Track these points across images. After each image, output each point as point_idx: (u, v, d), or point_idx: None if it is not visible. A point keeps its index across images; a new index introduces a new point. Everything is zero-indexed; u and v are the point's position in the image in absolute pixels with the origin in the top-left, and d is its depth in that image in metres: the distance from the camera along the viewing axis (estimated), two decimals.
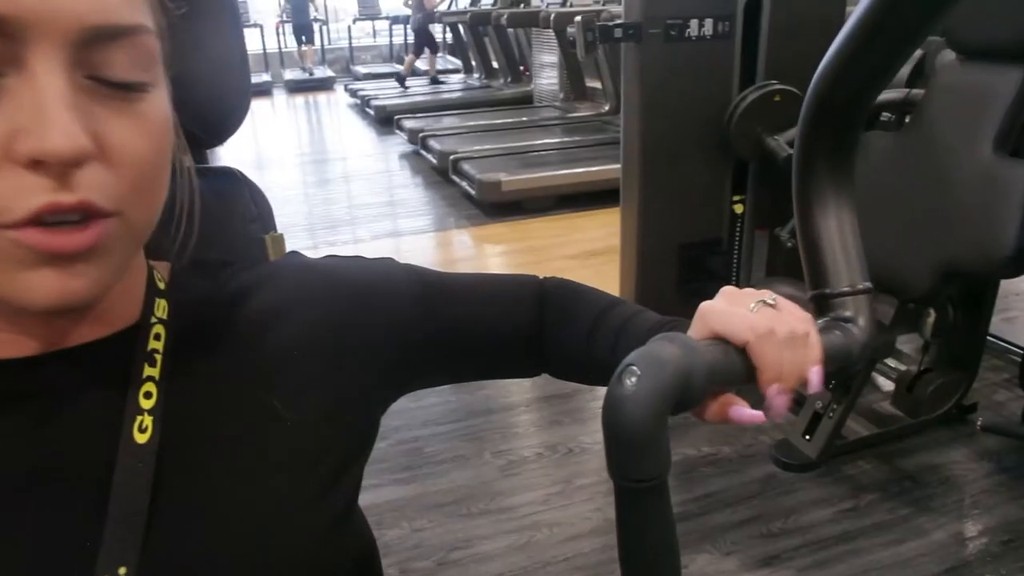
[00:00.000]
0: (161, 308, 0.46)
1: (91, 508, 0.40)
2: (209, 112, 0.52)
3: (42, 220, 0.34)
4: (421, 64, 9.39)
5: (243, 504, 0.44)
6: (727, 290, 0.50)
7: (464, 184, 4.39)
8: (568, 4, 5.72)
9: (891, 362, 2.22)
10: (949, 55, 1.72)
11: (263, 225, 0.56)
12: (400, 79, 8.70)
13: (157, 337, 0.45)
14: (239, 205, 0.55)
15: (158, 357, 0.44)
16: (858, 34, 0.56)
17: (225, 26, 0.51)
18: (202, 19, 0.49)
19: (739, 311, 0.47)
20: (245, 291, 0.49)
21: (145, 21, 0.37)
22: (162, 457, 0.42)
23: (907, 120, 1.86)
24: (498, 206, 4.16)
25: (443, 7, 9.15)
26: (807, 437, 1.90)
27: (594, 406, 2.26)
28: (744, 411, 0.47)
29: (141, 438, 0.41)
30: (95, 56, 0.35)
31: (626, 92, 2.25)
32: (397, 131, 6.24)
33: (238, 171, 0.56)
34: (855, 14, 0.57)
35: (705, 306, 0.48)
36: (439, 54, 9.55)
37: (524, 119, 6.05)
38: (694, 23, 2.12)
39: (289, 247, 0.57)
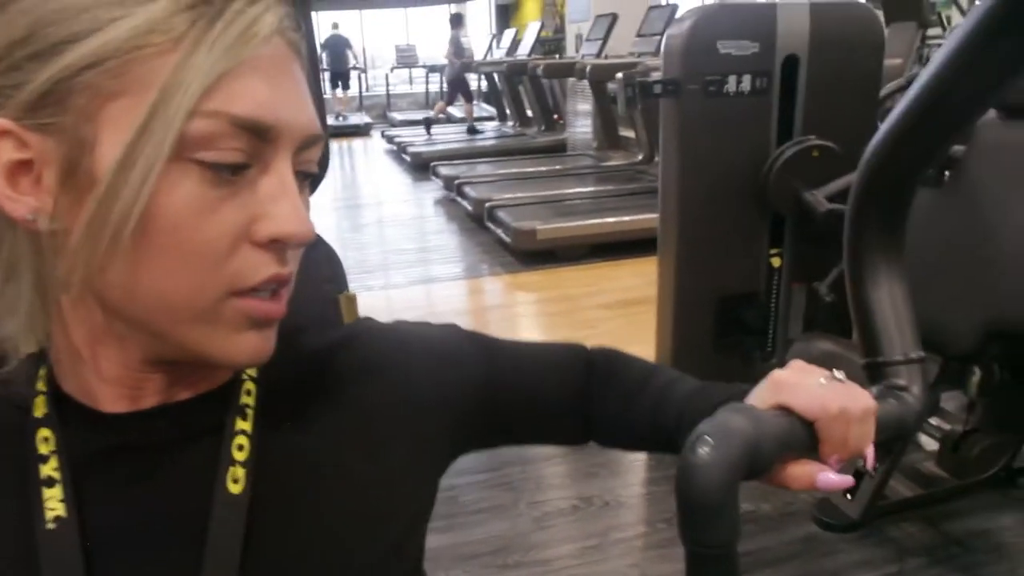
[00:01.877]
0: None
1: (189, 557, 0.43)
2: None
3: (260, 289, 0.42)
4: (456, 111, 9.59)
5: (326, 556, 0.46)
6: (797, 363, 0.52)
7: (499, 231, 4.44)
8: (604, 56, 5.83)
9: (934, 420, 2.18)
10: (990, 113, 1.72)
11: (337, 285, 0.59)
12: (427, 124, 8.88)
13: (248, 393, 0.48)
14: (314, 265, 0.57)
15: (249, 412, 0.47)
16: (912, 114, 0.58)
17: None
18: None
19: (811, 386, 0.48)
20: (327, 353, 0.53)
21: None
22: (253, 508, 0.44)
23: (947, 175, 1.86)
24: (532, 254, 4.20)
25: (478, 57, 9.38)
26: (849, 496, 1.86)
27: (629, 458, 2.24)
28: (831, 478, 0.48)
29: (235, 489, 0.44)
30: (303, 155, 0.43)
31: (664, 146, 2.28)
32: (432, 177, 6.36)
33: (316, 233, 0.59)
34: (909, 94, 0.59)
35: (778, 376, 0.50)
36: (474, 102, 9.76)
37: (558, 167, 6.13)
38: (732, 79, 2.15)
39: None
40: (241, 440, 0.46)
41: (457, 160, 6.68)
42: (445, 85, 9.67)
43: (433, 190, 6.40)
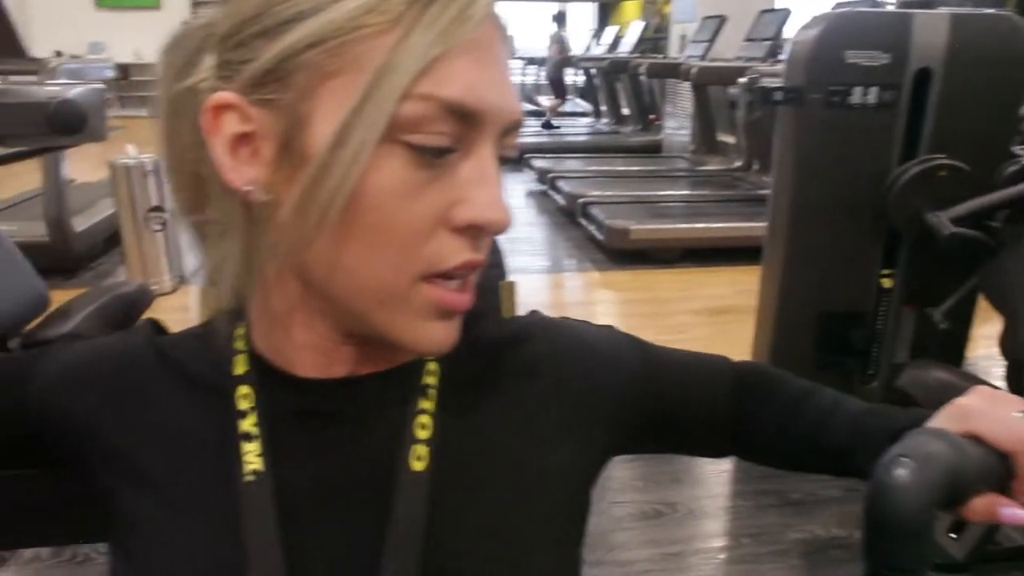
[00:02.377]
0: None
1: (373, 527, 0.44)
2: None
3: (453, 275, 0.42)
4: (544, 101, 9.50)
5: (503, 538, 0.47)
6: (984, 390, 0.49)
7: (591, 228, 4.42)
8: (710, 59, 5.72)
9: None
10: None
11: (499, 272, 0.60)
12: (547, 122, 8.78)
13: (431, 373, 0.49)
14: None
15: (432, 392, 0.48)
16: None
17: None
18: None
19: (1005, 416, 0.46)
20: (506, 344, 0.54)
21: None
22: (433, 487, 0.45)
23: None
24: (623, 253, 4.17)
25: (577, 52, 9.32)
26: (953, 536, 1.78)
27: (713, 468, 2.20)
28: (1019, 513, 0.46)
29: (418, 466, 0.45)
30: (504, 141, 0.43)
31: (779, 155, 2.22)
32: (525, 169, 6.38)
33: None
34: None
35: (965, 404, 0.48)
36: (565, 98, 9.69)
37: (653, 168, 6.06)
38: (858, 91, 2.08)
39: None
40: (424, 419, 0.47)
41: (551, 154, 6.67)
42: (545, 80, 9.59)
43: (526, 182, 6.42)
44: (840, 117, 2.09)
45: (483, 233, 0.42)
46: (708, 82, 5.29)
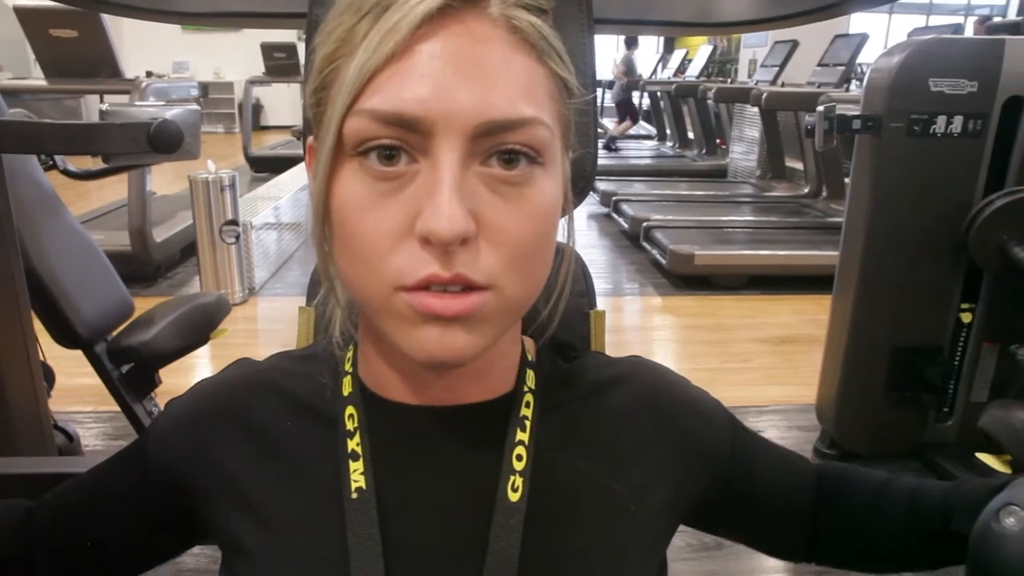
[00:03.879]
0: (531, 379, 0.51)
1: (470, 554, 0.45)
2: (576, 177, 0.57)
3: (429, 287, 0.39)
4: (608, 124, 9.52)
5: (594, 574, 0.47)
6: None
7: (655, 252, 4.39)
8: (780, 84, 5.64)
9: None
10: None
11: (589, 300, 0.61)
12: (608, 144, 8.82)
13: (527, 405, 0.49)
14: (574, 280, 0.59)
15: (528, 423, 0.48)
16: None
17: (591, 92, 0.57)
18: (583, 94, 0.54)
19: None
20: (604, 385, 0.53)
21: (536, 114, 0.41)
22: (529, 517, 0.46)
23: None
24: (687, 278, 4.12)
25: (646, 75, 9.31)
26: None
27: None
28: None
29: (513, 496, 0.46)
30: (492, 140, 0.40)
31: (855, 183, 2.17)
32: (590, 192, 6.36)
33: (571, 246, 0.61)
34: None
35: None
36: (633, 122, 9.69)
37: (718, 193, 5.98)
38: (941, 119, 2.02)
39: None
40: (520, 450, 0.47)
41: (615, 177, 6.66)
42: (612, 103, 9.61)
43: (589, 204, 6.41)
44: (922, 146, 2.03)
45: (438, 245, 0.39)
46: (778, 107, 5.21)
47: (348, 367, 0.51)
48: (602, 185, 6.03)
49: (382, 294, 0.41)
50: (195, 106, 1.49)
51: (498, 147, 0.40)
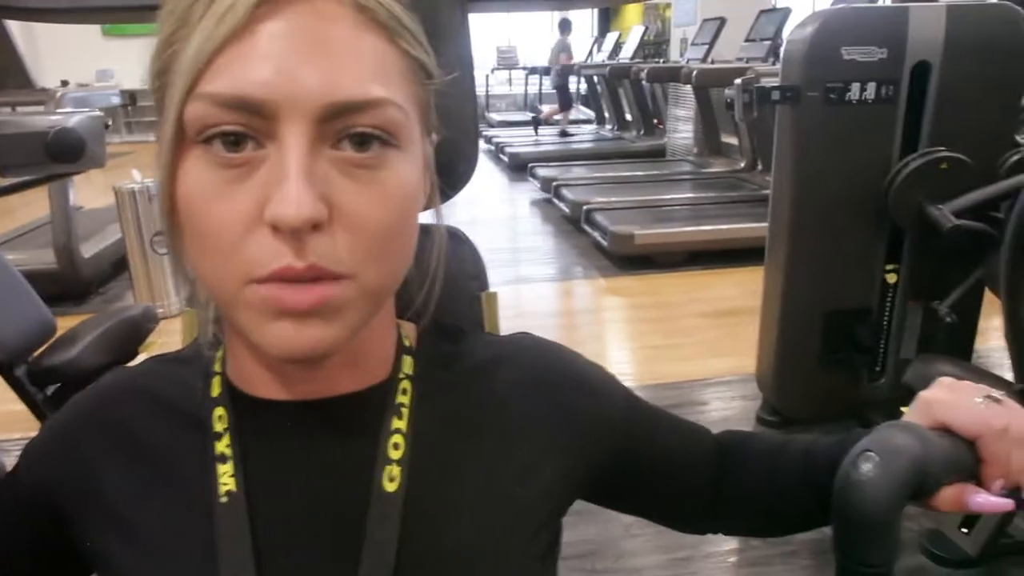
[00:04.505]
0: (408, 365, 0.49)
1: (347, 548, 0.44)
2: (449, 164, 0.56)
3: (282, 278, 0.38)
4: (546, 108, 9.58)
5: (474, 562, 0.46)
6: (946, 381, 0.49)
7: (596, 235, 4.42)
8: (710, 61, 5.71)
9: None
10: None
11: (480, 283, 0.60)
12: (536, 121, 8.89)
13: (404, 392, 0.48)
14: (463, 263, 0.58)
15: (405, 411, 0.47)
16: None
17: (465, 75, 0.55)
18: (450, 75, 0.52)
19: (969, 403, 0.46)
20: (488, 365, 0.52)
21: (387, 94, 0.39)
22: (407, 506, 0.45)
23: None
24: (629, 259, 4.16)
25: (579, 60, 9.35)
26: (965, 531, 1.76)
27: None
28: (989, 499, 0.45)
29: (390, 487, 0.45)
30: (341, 122, 0.38)
31: (778, 154, 2.21)
32: (530, 178, 6.38)
33: (460, 230, 0.60)
34: None
35: (929, 396, 0.48)
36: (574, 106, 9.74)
37: (657, 172, 6.04)
38: (855, 87, 2.07)
39: None
40: (396, 439, 0.46)
41: (555, 162, 6.68)
42: (552, 89, 9.65)
43: (530, 191, 6.42)
44: (839, 114, 2.08)
45: (288, 233, 0.37)
46: (709, 84, 5.28)
47: (217, 367, 0.49)
48: (542, 171, 6.05)
49: (234, 288, 0.39)
50: (98, 112, 1.44)
51: (349, 129, 0.38)
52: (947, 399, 0.47)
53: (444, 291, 0.50)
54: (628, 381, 2.32)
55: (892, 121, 2.11)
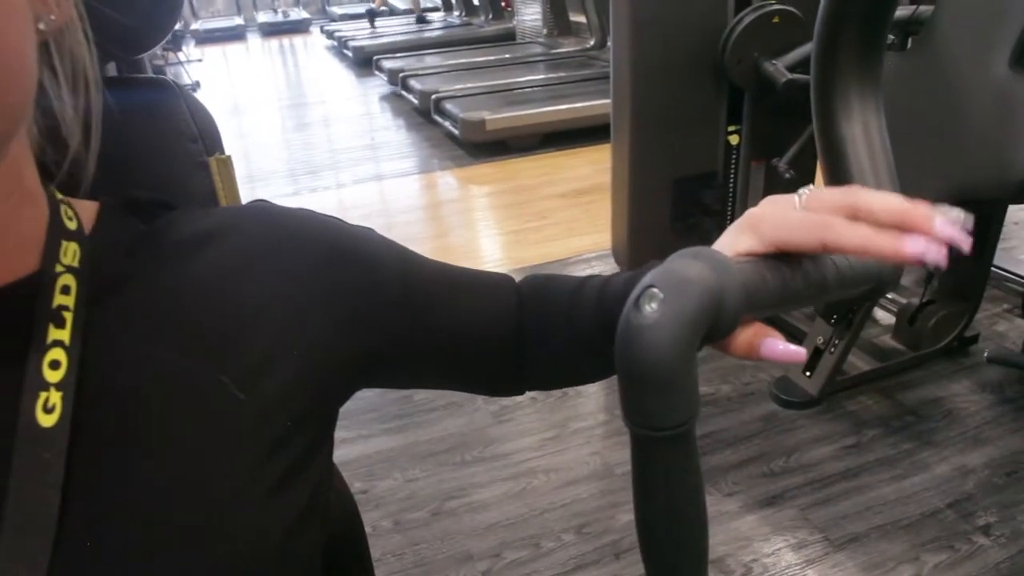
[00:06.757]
0: (70, 254, 0.36)
1: None
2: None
3: None
4: (400, 3, 9.08)
5: (183, 502, 0.35)
6: (774, 196, 0.40)
7: (447, 124, 4.25)
8: None
9: (891, 295, 2.17)
10: None
11: (206, 145, 0.46)
12: (371, 16, 8.44)
13: (66, 290, 0.35)
14: (175, 122, 0.45)
15: (68, 316, 0.35)
16: None
17: None
18: None
19: (787, 211, 0.37)
20: (195, 243, 0.40)
21: None
22: (75, 445, 0.33)
23: (912, 41, 1.76)
24: (482, 146, 4.03)
25: None
26: (807, 374, 1.85)
27: None
28: (778, 345, 0.36)
29: (47, 420, 0.33)
30: None
31: (615, 21, 2.12)
32: (376, 72, 6.04)
33: (172, 81, 0.46)
34: None
35: (751, 212, 0.38)
36: None
37: (507, 56, 5.85)
38: None
39: (269, 194, 0.47)
40: (56, 354, 0.34)
41: (401, 53, 6.33)
42: None
43: (378, 85, 6.08)
44: None
45: None
46: None
47: None
48: (388, 63, 5.73)
49: None
50: None
51: None
52: (766, 211, 0.38)
53: (146, 157, 0.38)
54: (493, 267, 2.26)
55: None
